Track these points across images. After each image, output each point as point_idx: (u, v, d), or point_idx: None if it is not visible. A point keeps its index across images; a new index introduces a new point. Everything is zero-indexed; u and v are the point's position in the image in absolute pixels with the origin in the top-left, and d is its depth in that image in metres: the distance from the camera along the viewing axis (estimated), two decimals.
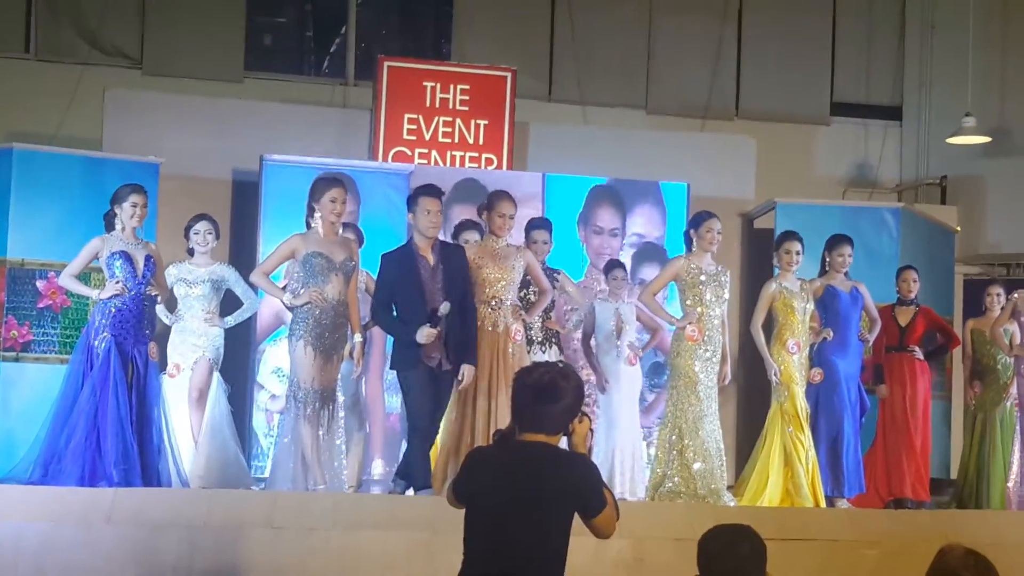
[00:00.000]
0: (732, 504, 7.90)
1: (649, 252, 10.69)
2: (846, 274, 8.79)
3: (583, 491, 4.09)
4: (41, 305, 8.88)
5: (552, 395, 4.09)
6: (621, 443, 8.84)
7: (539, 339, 8.46)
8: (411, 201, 7.61)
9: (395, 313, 7.52)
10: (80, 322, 7.91)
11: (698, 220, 8.39)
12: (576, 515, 4.08)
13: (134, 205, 7.65)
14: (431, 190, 7.57)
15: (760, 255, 10.38)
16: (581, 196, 10.67)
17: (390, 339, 7.89)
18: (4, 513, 6.55)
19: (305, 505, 7.01)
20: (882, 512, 8.46)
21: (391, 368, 7.75)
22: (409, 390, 7.48)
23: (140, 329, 7.64)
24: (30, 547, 6.36)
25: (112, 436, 7.30)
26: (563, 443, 4.15)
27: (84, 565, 6.36)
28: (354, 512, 7.01)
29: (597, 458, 7.38)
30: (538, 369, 4.30)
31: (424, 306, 7.36)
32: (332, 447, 7.62)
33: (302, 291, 7.43)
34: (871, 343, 9.03)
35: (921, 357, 9.17)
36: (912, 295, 9.24)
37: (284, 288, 7.68)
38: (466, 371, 7.50)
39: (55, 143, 9.86)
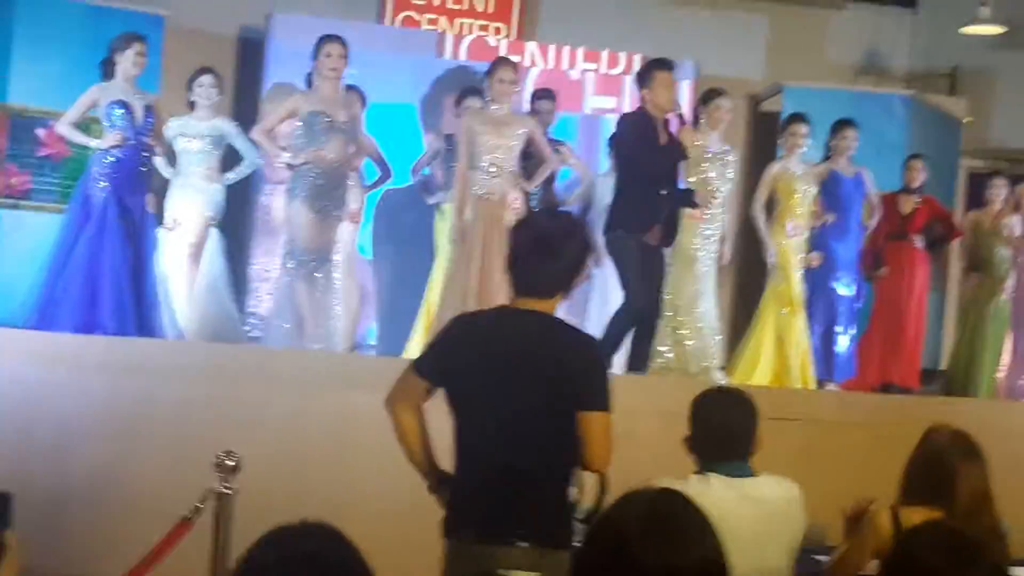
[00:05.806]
0: (723, 382, 7.94)
1: None
2: (850, 159, 8.74)
3: (580, 368, 3.51)
4: (41, 153, 8.79)
5: (552, 249, 3.52)
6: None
7: (539, 210, 8.40)
8: (645, 75, 7.33)
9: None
10: (80, 172, 7.84)
11: (707, 97, 8.33)
12: None
13: (136, 53, 7.56)
14: (667, 64, 7.32)
15: (765, 138, 10.28)
16: None
17: None
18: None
19: (299, 362, 7.03)
20: (870, 396, 8.52)
21: (615, 229, 7.24)
22: (630, 259, 7.09)
23: (138, 180, 7.61)
24: (25, 389, 6.40)
25: (108, 286, 7.30)
26: None
27: (76, 410, 6.39)
28: (348, 372, 7.03)
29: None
30: (542, 217, 3.93)
31: (659, 176, 7.18)
32: (327, 307, 7.64)
33: (302, 151, 7.39)
34: (870, 230, 9.02)
35: (921, 246, 9.16)
36: (917, 184, 9.18)
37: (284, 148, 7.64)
38: None
39: None
